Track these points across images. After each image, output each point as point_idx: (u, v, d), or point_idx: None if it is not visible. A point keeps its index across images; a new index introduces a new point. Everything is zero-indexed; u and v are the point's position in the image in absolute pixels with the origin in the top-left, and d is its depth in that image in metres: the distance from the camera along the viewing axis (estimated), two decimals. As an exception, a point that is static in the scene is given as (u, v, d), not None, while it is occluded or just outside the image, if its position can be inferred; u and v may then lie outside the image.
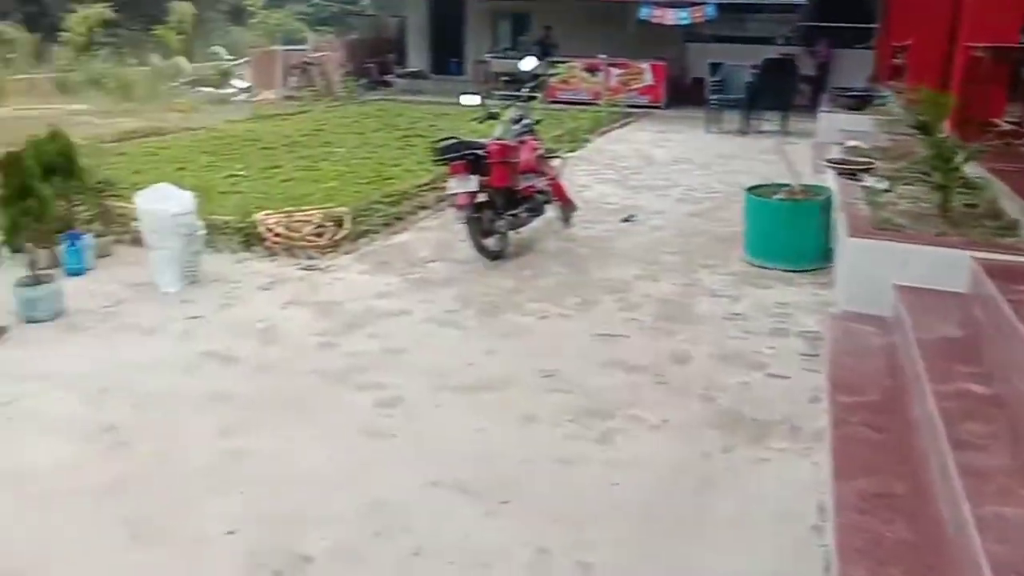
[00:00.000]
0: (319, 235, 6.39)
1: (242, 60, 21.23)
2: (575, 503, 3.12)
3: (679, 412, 3.81)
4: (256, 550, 2.82)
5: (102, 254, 6.00)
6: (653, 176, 9.67)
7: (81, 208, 6.14)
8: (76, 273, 5.61)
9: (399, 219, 7.24)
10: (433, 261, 6.17)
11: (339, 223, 6.60)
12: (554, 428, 3.67)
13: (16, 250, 5.31)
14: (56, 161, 5.66)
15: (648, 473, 3.32)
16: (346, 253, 6.28)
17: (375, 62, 19.35)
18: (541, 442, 3.56)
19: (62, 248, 5.64)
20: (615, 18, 16.37)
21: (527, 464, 3.38)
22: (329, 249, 6.28)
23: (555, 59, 16.25)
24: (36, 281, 4.90)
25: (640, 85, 16.45)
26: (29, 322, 4.80)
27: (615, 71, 16.53)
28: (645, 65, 16.39)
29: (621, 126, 13.86)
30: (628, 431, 3.64)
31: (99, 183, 6.32)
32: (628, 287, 5.59)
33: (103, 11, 15.73)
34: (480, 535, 2.92)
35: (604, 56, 16.38)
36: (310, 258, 6.13)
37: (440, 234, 6.90)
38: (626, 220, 7.43)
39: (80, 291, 5.27)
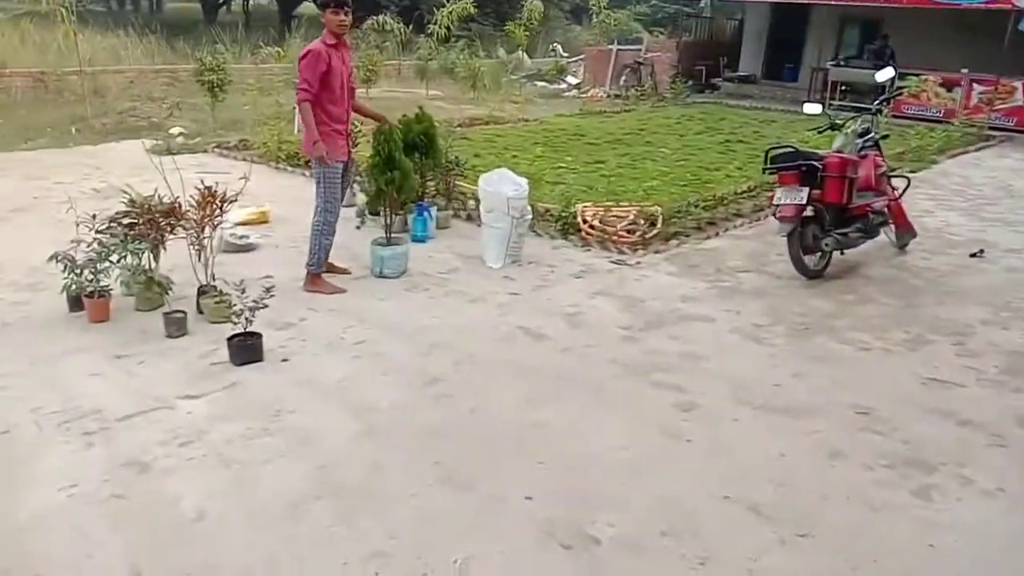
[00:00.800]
0: (631, 231, 6.52)
1: (577, 57, 22.22)
2: (880, 555, 2.85)
3: (1021, 482, 3.31)
4: (549, 520, 2.97)
5: (442, 226, 6.72)
6: (1012, 209, 8.42)
7: (431, 183, 6.90)
8: (420, 240, 6.33)
9: (712, 224, 7.13)
10: (744, 271, 5.99)
11: (652, 222, 6.67)
12: (864, 470, 3.38)
13: (375, 213, 6.11)
14: (418, 139, 6.40)
15: (974, 542, 2.93)
16: (656, 252, 6.33)
17: (705, 64, 19.12)
18: (848, 482, 3.30)
19: (411, 216, 6.40)
20: (987, 28, 14.43)
21: (829, 501, 3.16)
22: (639, 246, 6.38)
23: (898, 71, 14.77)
24: (389, 242, 5.61)
25: (1007, 106, 14.40)
26: (379, 276, 5.53)
27: (978, 88, 14.63)
28: (1018, 84, 14.29)
29: (977, 149, 12.26)
30: (952, 491, 3.24)
31: (449, 162, 7.04)
32: (969, 331, 4.96)
33: (467, 5, 17.31)
34: (771, 561, 2.79)
35: (966, 70, 14.57)
36: (621, 252, 6.28)
37: (754, 244, 6.67)
38: (975, 255, 6.56)
39: (421, 256, 5.94)
